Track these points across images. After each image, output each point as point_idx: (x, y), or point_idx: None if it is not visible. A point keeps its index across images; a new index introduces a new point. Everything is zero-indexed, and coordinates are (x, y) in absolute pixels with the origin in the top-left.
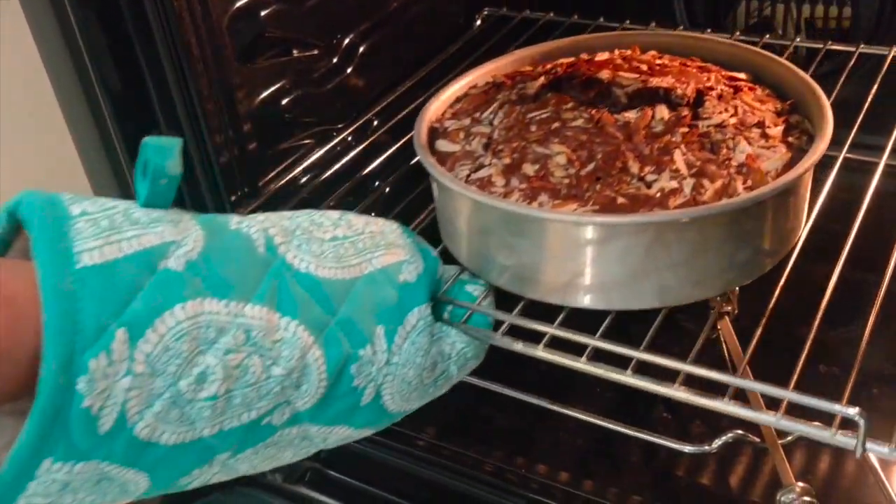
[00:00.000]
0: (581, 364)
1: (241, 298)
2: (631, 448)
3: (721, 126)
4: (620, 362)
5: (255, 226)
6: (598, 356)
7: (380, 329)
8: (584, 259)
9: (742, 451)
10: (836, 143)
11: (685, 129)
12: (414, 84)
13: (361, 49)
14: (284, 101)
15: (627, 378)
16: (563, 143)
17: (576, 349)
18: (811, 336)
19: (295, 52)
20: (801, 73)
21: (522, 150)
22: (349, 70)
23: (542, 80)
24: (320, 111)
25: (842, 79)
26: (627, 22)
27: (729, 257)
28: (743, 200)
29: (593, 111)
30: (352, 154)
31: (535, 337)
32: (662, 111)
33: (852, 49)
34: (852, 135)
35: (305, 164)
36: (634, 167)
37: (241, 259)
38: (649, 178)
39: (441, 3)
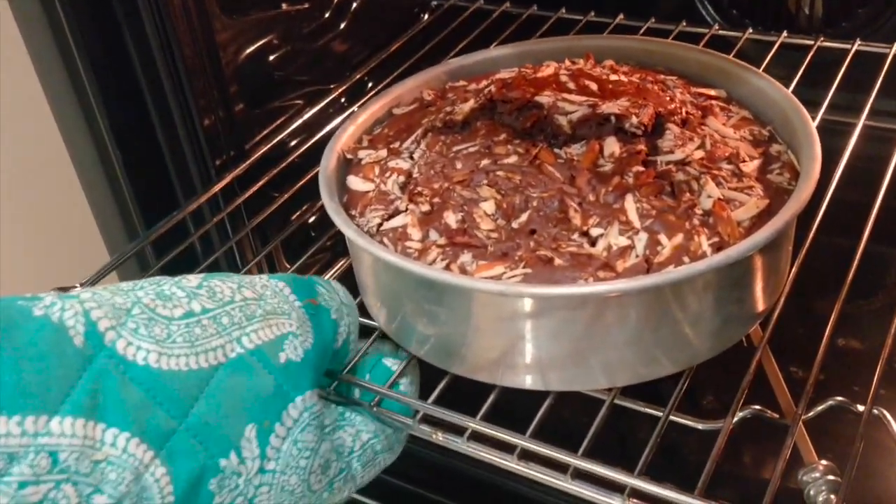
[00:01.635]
0: (512, 464)
1: (43, 411)
2: (639, 424)
3: (684, 163)
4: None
5: (73, 308)
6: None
7: (250, 429)
8: (514, 334)
9: (760, 428)
10: (854, 109)
11: (640, 168)
12: (407, 41)
13: (354, 4)
14: (272, 58)
15: (566, 484)
16: (492, 185)
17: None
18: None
19: (284, 5)
20: (783, 88)
21: (444, 193)
22: (342, 26)
23: (471, 102)
24: (311, 69)
25: (841, 72)
26: (593, 14)
27: (691, 330)
28: (706, 267)
29: (530, 145)
30: (344, 115)
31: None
32: (612, 145)
33: (847, 46)
34: (871, 101)
35: (295, 125)
36: (577, 218)
37: (45, 357)
38: (594, 232)
39: None
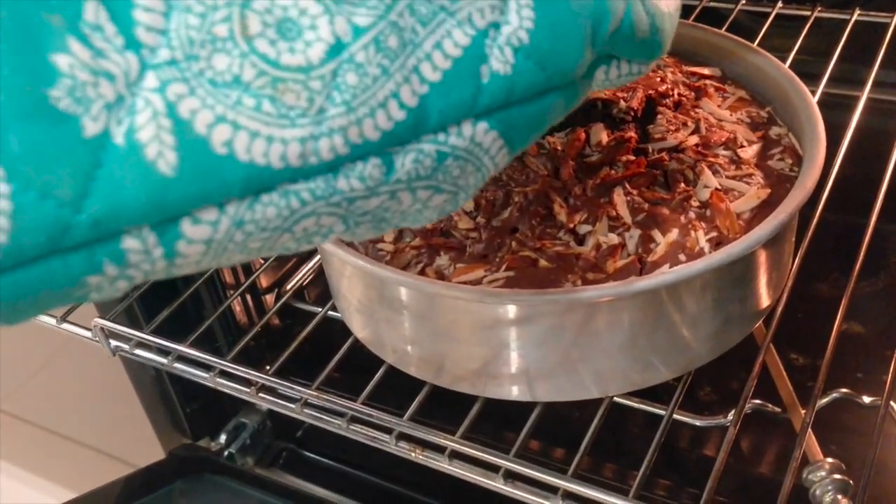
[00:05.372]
0: (497, 485)
1: None
2: (633, 417)
3: (678, 150)
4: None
5: None
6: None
7: None
8: (497, 343)
9: (760, 421)
10: (856, 82)
11: (630, 158)
12: None
13: None
14: None
15: None
16: None
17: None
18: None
19: None
20: (782, 66)
21: None
22: None
23: None
24: None
25: (841, 43)
26: None
27: (689, 333)
28: (704, 267)
29: None
30: None
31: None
32: (600, 132)
33: (846, 17)
34: (873, 73)
35: None
36: (562, 214)
37: None
38: (581, 229)
39: None
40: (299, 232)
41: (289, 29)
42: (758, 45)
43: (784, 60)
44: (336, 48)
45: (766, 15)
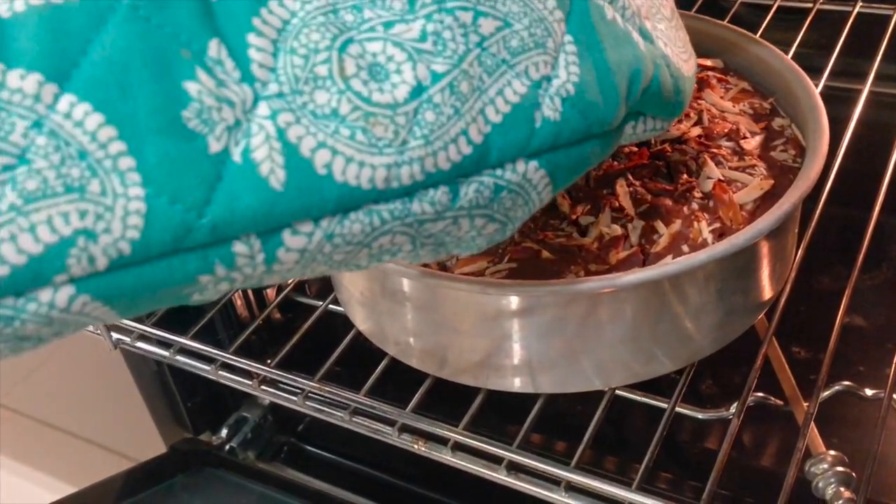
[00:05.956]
0: (501, 476)
1: None
2: (633, 410)
3: (680, 141)
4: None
5: None
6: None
7: None
8: (499, 335)
9: (761, 413)
10: (859, 75)
11: (633, 149)
12: None
13: None
14: None
15: (560, 498)
16: None
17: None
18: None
19: None
20: (784, 57)
21: None
22: None
23: None
24: None
25: (843, 36)
26: None
27: (691, 325)
28: (707, 258)
29: None
30: None
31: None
32: None
33: (849, 9)
34: (875, 65)
35: None
36: (564, 205)
37: None
38: (584, 220)
39: None
40: (376, 248)
41: (378, 72)
42: (759, 38)
43: (785, 54)
44: (418, 90)
45: (768, 8)
